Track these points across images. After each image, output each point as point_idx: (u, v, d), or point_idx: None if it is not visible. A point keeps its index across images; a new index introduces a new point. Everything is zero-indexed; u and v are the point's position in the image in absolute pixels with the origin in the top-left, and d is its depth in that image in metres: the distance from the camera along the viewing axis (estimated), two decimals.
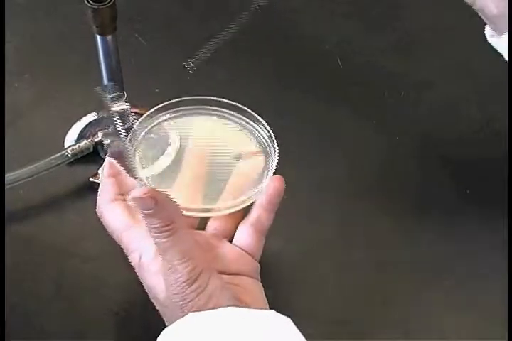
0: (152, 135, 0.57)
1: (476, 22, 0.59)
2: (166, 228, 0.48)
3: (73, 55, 0.79)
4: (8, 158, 0.67)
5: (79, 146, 0.69)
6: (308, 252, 0.66)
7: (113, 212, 0.54)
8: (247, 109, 0.57)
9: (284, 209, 0.55)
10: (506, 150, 0.69)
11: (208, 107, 0.58)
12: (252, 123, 0.57)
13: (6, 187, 0.64)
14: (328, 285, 0.64)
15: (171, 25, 0.84)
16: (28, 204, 0.67)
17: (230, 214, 0.54)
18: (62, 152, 0.68)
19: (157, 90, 0.76)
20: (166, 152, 0.56)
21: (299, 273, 0.65)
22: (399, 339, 0.61)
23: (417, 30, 0.84)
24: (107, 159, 0.56)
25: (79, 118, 0.72)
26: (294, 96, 0.77)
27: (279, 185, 0.54)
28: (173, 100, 0.57)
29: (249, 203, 0.54)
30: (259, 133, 0.57)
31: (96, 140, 0.69)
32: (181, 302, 0.47)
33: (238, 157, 0.56)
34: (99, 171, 0.67)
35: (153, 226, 0.48)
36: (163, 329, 0.48)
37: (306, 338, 0.47)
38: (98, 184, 0.58)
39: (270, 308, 0.50)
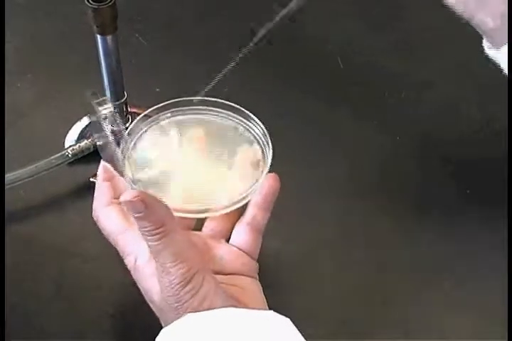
0: (148, 135, 0.57)
1: None
2: (157, 231, 0.48)
3: (73, 55, 0.79)
4: (8, 158, 0.67)
5: (79, 146, 0.69)
6: (308, 252, 0.66)
7: (108, 216, 0.54)
8: (239, 107, 0.57)
9: (284, 209, 0.55)
10: (506, 150, 0.69)
11: (204, 107, 0.58)
12: (246, 121, 0.57)
13: (6, 187, 0.64)
14: (328, 285, 0.64)
15: (172, 25, 0.84)
16: (29, 204, 0.67)
17: (226, 214, 0.54)
18: (63, 152, 0.68)
19: (157, 90, 0.76)
20: (161, 152, 0.56)
21: (299, 273, 0.64)
22: (399, 339, 0.61)
23: (417, 30, 0.84)
24: (102, 163, 0.56)
25: (79, 118, 0.72)
26: (294, 96, 0.77)
27: (274, 184, 0.54)
28: (169, 101, 0.57)
29: (244, 202, 0.54)
30: (254, 131, 0.57)
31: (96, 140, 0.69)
32: (176, 304, 0.48)
33: (233, 156, 0.56)
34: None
35: (144, 229, 0.48)
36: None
37: (305, 338, 0.47)
38: None
39: (269, 308, 0.50)
